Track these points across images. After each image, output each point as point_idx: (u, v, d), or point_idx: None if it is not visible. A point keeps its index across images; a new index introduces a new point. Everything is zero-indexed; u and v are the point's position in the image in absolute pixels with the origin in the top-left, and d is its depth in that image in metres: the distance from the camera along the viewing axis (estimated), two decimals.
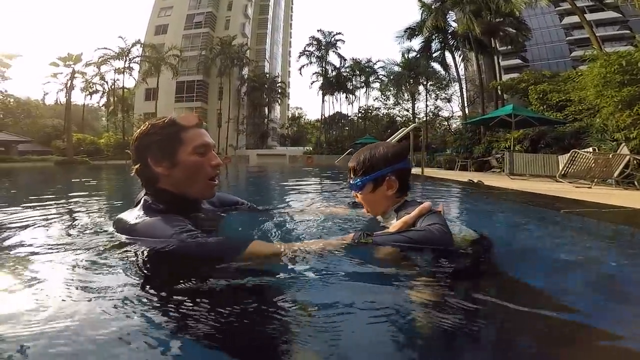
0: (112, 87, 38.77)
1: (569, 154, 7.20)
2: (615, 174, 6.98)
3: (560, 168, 7.97)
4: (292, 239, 1.21)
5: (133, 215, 1.17)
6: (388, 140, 10.79)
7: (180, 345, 0.65)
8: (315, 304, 0.78)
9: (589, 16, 34.71)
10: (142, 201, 1.21)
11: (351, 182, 1.39)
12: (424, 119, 32.36)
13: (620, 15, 29.34)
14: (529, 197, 4.23)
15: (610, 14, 26.74)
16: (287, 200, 3.51)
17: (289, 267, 0.97)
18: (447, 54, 24.60)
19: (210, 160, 1.22)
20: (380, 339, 0.68)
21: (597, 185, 6.90)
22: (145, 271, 0.97)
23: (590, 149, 8.23)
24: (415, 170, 13.30)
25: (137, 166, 1.21)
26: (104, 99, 40.87)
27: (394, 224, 1.17)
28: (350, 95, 40.25)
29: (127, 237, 1.14)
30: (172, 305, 0.76)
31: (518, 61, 41.04)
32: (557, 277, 1.14)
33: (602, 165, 6.97)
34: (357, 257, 1.02)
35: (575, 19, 39.09)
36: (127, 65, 36.70)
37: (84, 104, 41.23)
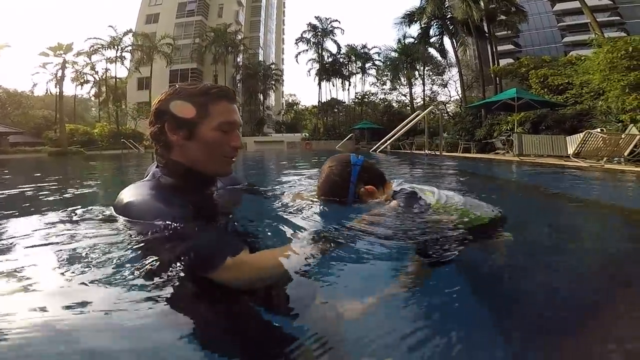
0: (105, 76, 38.06)
1: (582, 134, 7.65)
2: (626, 153, 7.47)
3: (571, 148, 8.47)
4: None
5: (131, 192, 1.03)
6: (404, 124, 11.10)
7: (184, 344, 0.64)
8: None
9: (579, 3, 35.43)
10: (150, 174, 1.13)
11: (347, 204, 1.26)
12: (421, 104, 32.84)
13: (611, 2, 29.96)
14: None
15: (602, 1, 27.28)
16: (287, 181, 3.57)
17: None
18: (445, 40, 25.10)
19: (231, 140, 1.11)
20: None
21: (607, 164, 7.38)
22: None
23: (599, 130, 8.72)
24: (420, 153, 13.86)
25: (152, 128, 1.10)
26: (95, 89, 40.15)
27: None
28: (346, 82, 40.39)
29: (120, 216, 1.01)
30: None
31: (511, 47, 41.61)
32: None
33: (613, 145, 7.45)
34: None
35: (566, 5, 39.75)
36: (119, 54, 36.14)
37: (74, 95, 40.48)
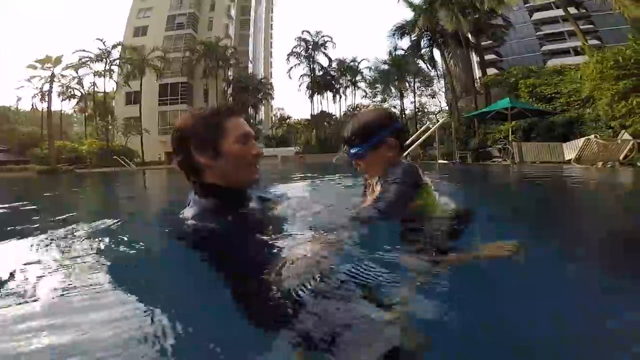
0: (92, 91, 37.21)
1: (582, 141, 8.17)
2: (621, 157, 8.00)
3: (568, 154, 9.00)
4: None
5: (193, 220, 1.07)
6: (418, 134, 11.65)
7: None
8: None
9: (555, 12, 37.16)
10: (191, 201, 1.17)
11: (352, 152, 1.38)
12: (414, 115, 33.72)
13: (585, 11, 31.56)
14: None
15: (579, 10, 28.66)
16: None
17: None
18: (435, 51, 25.91)
19: (251, 149, 1.19)
20: None
21: (603, 167, 7.89)
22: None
23: (593, 137, 9.27)
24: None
25: (178, 158, 1.17)
26: (80, 104, 39.27)
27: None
28: (337, 95, 41.02)
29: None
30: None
31: (493, 56, 43.07)
32: None
33: (609, 150, 7.99)
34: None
35: (543, 14, 41.58)
36: (107, 67, 35.36)
37: (61, 110, 39.64)
